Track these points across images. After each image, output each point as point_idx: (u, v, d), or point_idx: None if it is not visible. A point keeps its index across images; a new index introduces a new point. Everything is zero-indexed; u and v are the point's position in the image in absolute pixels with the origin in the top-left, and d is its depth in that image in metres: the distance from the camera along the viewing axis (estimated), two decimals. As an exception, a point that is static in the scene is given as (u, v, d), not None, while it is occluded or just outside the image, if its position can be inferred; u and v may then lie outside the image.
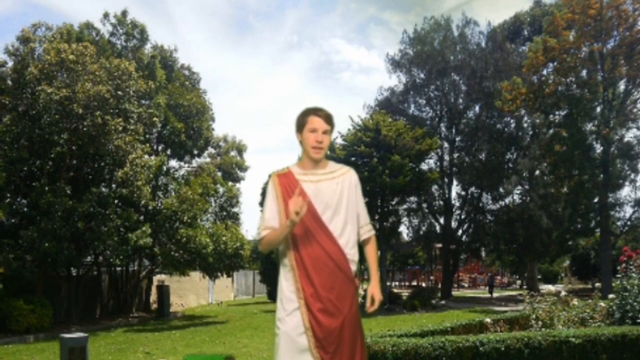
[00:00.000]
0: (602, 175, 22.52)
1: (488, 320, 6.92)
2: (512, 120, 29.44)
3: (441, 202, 29.74)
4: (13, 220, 16.61)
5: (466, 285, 44.30)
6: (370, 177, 20.72)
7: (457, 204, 30.85)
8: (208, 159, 25.02)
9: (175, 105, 20.71)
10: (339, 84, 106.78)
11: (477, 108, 30.27)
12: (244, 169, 26.23)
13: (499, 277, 49.06)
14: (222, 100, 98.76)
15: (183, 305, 25.38)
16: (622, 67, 21.89)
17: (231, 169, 25.72)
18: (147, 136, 19.83)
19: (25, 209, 16.79)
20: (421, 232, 30.03)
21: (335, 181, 2.99)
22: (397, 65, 30.12)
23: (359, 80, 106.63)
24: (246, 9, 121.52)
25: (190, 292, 27.06)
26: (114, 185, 17.68)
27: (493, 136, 29.16)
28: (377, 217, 22.91)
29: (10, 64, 16.89)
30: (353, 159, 21.55)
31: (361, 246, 3.08)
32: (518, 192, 31.23)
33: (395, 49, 55.02)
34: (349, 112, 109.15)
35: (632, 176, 25.82)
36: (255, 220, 3.08)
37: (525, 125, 29.53)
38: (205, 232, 18.89)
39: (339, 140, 22.99)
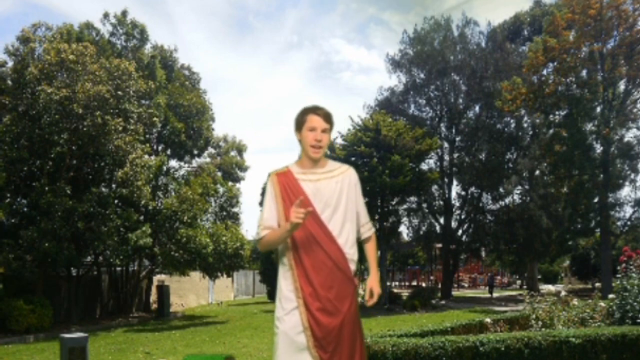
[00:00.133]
0: (602, 175, 22.52)
1: (488, 320, 6.92)
2: (512, 120, 29.44)
3: (441, 202, 29.74)
4: (13, 220, 16.60)
5: (466, 285, 44.30)
6: (370, 177, 20.73)
7: (457, 204, 30.87)
8: (208, 159, 25.02)
9: (175, 105, 20.71)
10: (339, 84, 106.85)
11: (477, 108, 30.28)
12: (244, 169, 26.23)
13: (499, 277, 49.06)
14: (222, 100, 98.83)
15: (183, 305, 25.38)
16: (622, 67, 21.90)
17: (231, 169, 25.72)
18: (147, 136, 19.83)
19: (25, 209, 16.79)
20: (421, 232, 30.03)
21: (335, 180, 2.98)
22: (397, 65, 30.13)
23: (359, 80, 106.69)
24: (246, 9, 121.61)
25: (190, 292, 27.06)
26: (114, 185, 17.68)
27: (493, 136, 29.17)
28: (377, 217, 22.91)
29: (10, 64, 16.90)
30: (353, 159, 21.55)
31: (361, 245, 3.08)
32: (518, 192, 31.27)
33: (395, 49, 55.06)
34: (349, 112, 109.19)
35: (632, 176, 25.85)
36: (255, 220, 3.07)
37: (525, 125, 29.54)
38: (205, 232, 18.89)
39: (339, 140, 23.01)
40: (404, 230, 31.37)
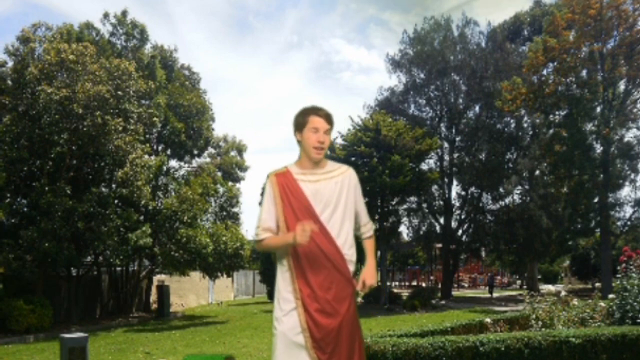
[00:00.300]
0: (602, 175, 22.52)
1: (488, 320, 6.92)
2: (512, 120, 29.44)
3: (441, 202, 29.74)
4: (13, 220, 16.61)
5: (466, 285, 44.28)
6: (370, 177, 20.73)
7: (457, 204, 30.87)
8: (208, 159, 25.02)
9: (175, 105, 20.72)
10: (339, 84, 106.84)
11: (477, 108, 30.28)
12: (244, 169, 26.23)
13: (499, 277, 49.05)
14: (222, 100, 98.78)
15: (183, 305, 25.38)
16: (622, 67, 21.90)
17: (231, 169, 25.72)
18: (147, 136, 19.83)
19: (25, 209, 16.79)
20: (421, 232, 30.02)
21: (334, 180, 2.97)
22: (397, 65, 30.13)
23: (359, 80, 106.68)
24: (246, 9, 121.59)
25: (190, 292, 27.06)
26: (114, 185, 17.68)
27: (493, 136, 29.17)
28: (377, 217, 22.91)
29: (10, 64, 16.91)
30: (353, 159, 21.56)
31: (359, 244, 3.07)
32: (518, 192, 31.27)
33: (395, 49, 55.09)
34: (349, 112, 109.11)
35: (632, 176, 25.84)
36: (255, 220, 3.06)
37: (525, 125, 29.54)
38: (205, 232, 18.89)
39: (339, 140, 23.02)
40: (404, 230, 31.40)
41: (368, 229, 3.10)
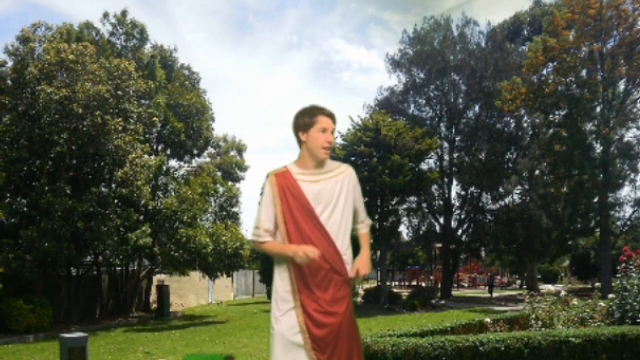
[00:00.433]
0: (602, 175, 22.51)
1: (488, 320, 6.92)
2: (512, 120, 29.44)
3: (441, 202, 29.74)
4: (13, 220, 16.61)
5: (466, 285, 44.27)
6: (370, 177, 20.73)
7: (457, 204, 30.86)
8: (208, 159, 25.02)
9: (175, 105, 20.71)
10: (339, 84, 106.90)
11: (477, 108, 30.28)
12: (244, 169, 26.23)
13: (499, 277, 49.02)
14: (222, 100, 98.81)
15: (183, 305, 25.38)
16: (622, 67, 21.89)
17: (231, 169, 25.72)
18: (147, 136, 19.83)
19: (25, 209, 16.79)
20: (421, 232, 30.02)
21: (335, 180, 2.95)
22: (397, 65, 30.12)
23: (359, 80, 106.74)
24: (246, 9, 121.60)
25: (190, 292, 27.05)
26: (114, 185, 17.68)
27: (493, 136, 29.16)
28: (377, 217, 22.90)
29: (10, 64, 16.91)
30: (353, 159, 21.56)
31: (354, 237, 3.03)
32: (518, 192, 31.26)
33: (395, 49, 55.07)
34: (349, 112, 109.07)
35: (632, 176, 25.84)
36: (254, 220, 3.05)
37: (525, 125, 29.54)
38: (205, 232, 18.89)
39: (339, 140, 23.02)
40: (404, 230, 31.41)
41: (366, 225, 3.10)
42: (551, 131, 24.30)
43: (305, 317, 2.77)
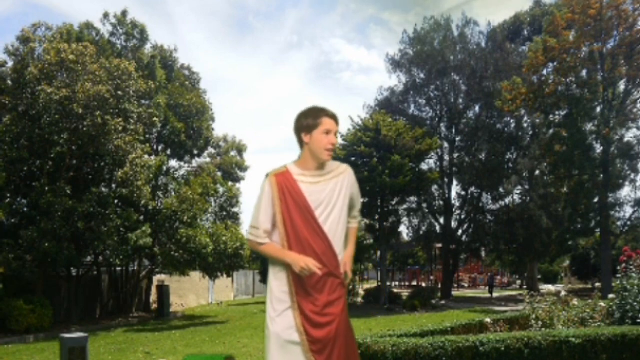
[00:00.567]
0: (602, 175, 22.51)
1: (488, 320, 6.92)
2: (512, 120, 29.45)
3: (441, 202, 29.74)
4: (13, 220, 16.60)
5: (466, 285, 44.29)
6: (370, 177, 20.72)
7: (457, 204, 30.87)
8: (208, 159, 25.02)
9: (175, 105, 20.71)
10: (339, 84, 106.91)
11: (477, 108, 30.29)
12: (244, 169, 26.22)
13: (499, 277, 49.04)
14: (222, 100, 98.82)
15: (183, 305, 25.37)
16: (622, 67, 21.90)
17: (231, 169, 25.71)
18: (147, 136, 19.82)
19: (25, 209, 16.79)
20: (421, 232, 30.02)
21: (334, 181, 2.94)
22: (397, 65, 30.13)
23: (359, 80, 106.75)
24: (246, 9, 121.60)
25: (190, 292, 27.05)
26: (114, 185, 17.68)
27: (493, 136, 29.17)
28: (377, 217, 22.90)
29: (10, 64, 16.91)
30: (353, 159, 21.56)
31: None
32: (518, 192, 31.27)
33: (395, 49, 55.15)
34: (349, 112, 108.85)
35: (632, 176, 25.86)
36: (251, 219, 3.03)
37: (525, 125, 29.54)
38: (205, 232, 18.89)
39: (339, 140, 22.97)
40: (404, 230, 31.43)
41: (357, 220, 3.12)
42: (551, 131, 24.31)
43: (303, 319, 2.76)
